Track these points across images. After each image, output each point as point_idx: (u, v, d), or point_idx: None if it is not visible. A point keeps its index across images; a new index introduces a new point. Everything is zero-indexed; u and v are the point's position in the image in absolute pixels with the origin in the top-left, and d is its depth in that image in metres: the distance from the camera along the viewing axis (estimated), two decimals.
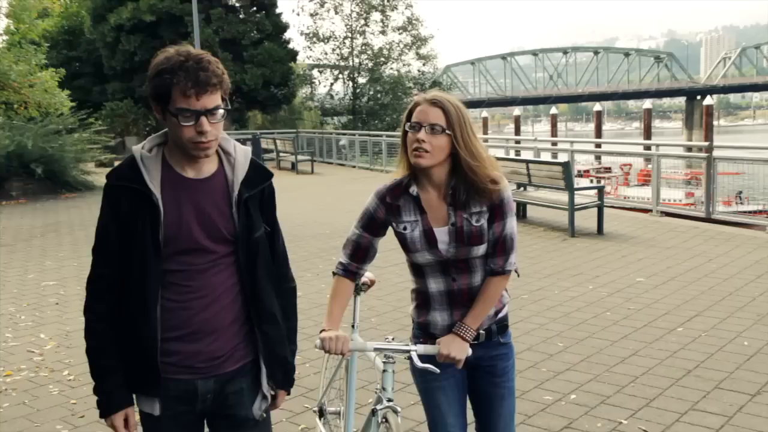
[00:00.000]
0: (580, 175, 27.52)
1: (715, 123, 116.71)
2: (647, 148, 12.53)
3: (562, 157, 12.12)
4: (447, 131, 2.13)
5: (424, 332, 2.32)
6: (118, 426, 1.93)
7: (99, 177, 16.55)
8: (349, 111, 31.96)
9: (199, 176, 1.91)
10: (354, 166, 20.40)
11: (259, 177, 1.98)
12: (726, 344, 4.77)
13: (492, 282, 2.23)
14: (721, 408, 3.77)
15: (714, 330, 5.07)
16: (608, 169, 28.40)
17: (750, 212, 10.35)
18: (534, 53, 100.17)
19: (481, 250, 2.19)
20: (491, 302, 2.23)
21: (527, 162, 9.80)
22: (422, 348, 2.21)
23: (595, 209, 8.96)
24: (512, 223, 2.22)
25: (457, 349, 2.18)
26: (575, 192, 8.81)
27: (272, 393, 2.07)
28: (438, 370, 2.18)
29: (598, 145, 21.91)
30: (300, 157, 19.98)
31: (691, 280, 6.47)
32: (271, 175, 2.03)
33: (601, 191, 9.06)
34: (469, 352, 2.20)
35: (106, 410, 1.93)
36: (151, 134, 1.99)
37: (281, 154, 21.05)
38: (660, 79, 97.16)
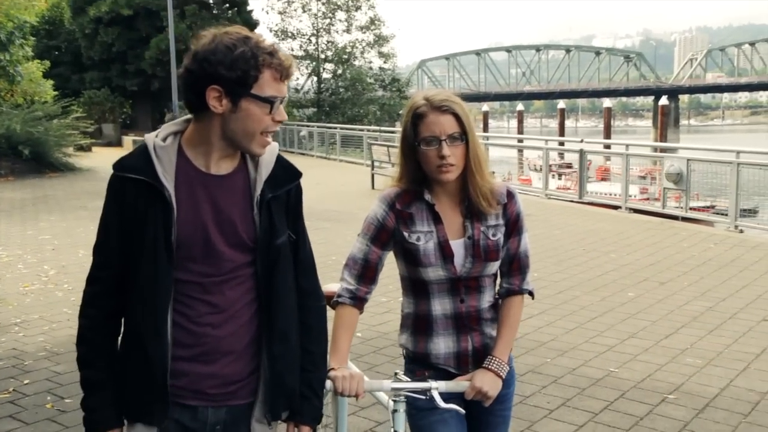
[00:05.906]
0: None
1: (685, 122, 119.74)
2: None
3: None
4: (464, 138, 1.96)
5: (421, 364, 2.09)
6: None
7: (79, 159, 18.59)
8: (314, 104, 34.06)
9: (219, 172, 1.70)
10: (313, 156, 22.52)
11: (286, 176, 1.77)
12: None
13: (512, 304, 2.09)
14: None
15: None
16: (569, 165, 30.73)
17: (698, 208, 10.63)
18: (508, 50, 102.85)
19: (495, 267, 2.06)
20: (516, 327, 2.09)
21: None
22: (444, 385, 1.98)
23: None
24: (527, 239, 2.11)
25: (491, 384, 1.99)
26: None
27: (269, 426, 1.80)
28: (464, 411, 2.02)
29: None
30: None
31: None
32: (299, 174, 1.81)
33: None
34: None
35: (89, 429, 1.73)
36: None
37: None
38: (630, 78, 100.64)
